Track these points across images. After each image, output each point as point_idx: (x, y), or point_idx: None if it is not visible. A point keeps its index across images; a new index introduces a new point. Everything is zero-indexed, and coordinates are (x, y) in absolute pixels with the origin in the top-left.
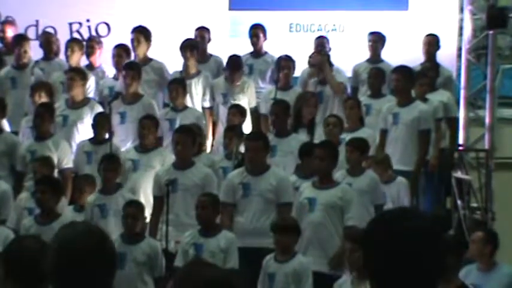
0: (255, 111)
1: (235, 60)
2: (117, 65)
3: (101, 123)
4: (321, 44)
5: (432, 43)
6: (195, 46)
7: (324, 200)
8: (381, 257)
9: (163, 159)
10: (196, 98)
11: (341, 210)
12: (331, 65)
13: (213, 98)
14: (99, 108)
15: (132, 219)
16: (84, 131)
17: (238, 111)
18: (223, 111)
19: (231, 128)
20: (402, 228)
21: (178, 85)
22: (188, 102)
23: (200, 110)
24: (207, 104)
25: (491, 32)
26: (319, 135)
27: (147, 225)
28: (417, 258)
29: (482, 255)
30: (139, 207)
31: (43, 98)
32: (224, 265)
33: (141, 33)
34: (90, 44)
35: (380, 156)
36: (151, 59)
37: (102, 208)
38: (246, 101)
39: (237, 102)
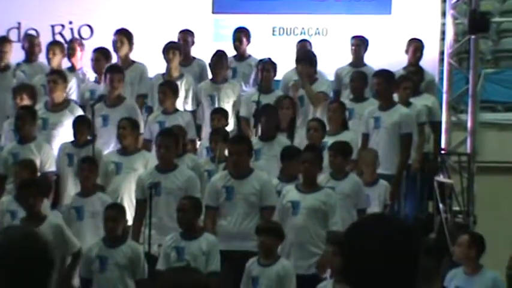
0: (238, 114)
1: (219, 54)
2: (96, 68)
3: (81, 127)
4: (303, 46)
5: (420, 48)
6: (178, 49)
7: (308, 204)
8: (358, 261)
9: (146, 162)
10: (179, 101)
11: (324, 214)
12: (315, 67)
13: (197, 101)
14: (79, 111)
15: (112, 222)
16: (64, 133)
17: (222, 115)
18: (209, 114)
19: (217, 132)
20: (379, 231)
21: (168, 88)
22: None
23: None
24: (189, 107)
25: (473, 36)
26: (301, 139)
27: (129, 229)
28: (395, 260)
29: (468, 258)
30: (120, 210)
31: (25, 101)
32: (206, 268)
33: (124, 36)
34: (72, 46)
35: (370, 156)
36: (133, 62)
37: (78, 210)
38: (231, 103)
39: (223, 105)
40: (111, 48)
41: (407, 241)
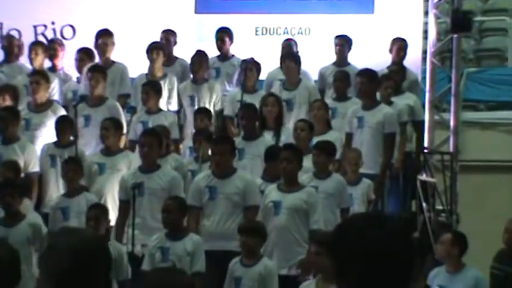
0: (220, 113)
1: (199, 54)
2: (80, 68)
3: (63, 127)
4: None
5: (403, 48)
6: (161, 49)
7: (289, 203)
8: (356, 262)
9: (130, 162)
10: (162, 101)
11: (306, 213)
12: (299, 65)
13: (179, 102)
14: (62, 111)
15: (94, 222)
16: (47, 134)
17: (205, 115)
18: (190, 114)
19: (200, 132)
20: (376, 232)
21: (151, 88)
22: None
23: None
24: (173, 108)
25: (455, 35)
26: (286, 139)
27: (112, 229)
28: (394, 260)
29: (450, 257)
30: (103, 210)
31: (7, 102)
32: (191, 268)
33: (106, 36)
34: (53, 46)
35: (353, 155)
36: (113, 62)
37: (64, 211)
38: (212, 103)
39: (203, 105)
40: (94, 49)
41: (400, 241)
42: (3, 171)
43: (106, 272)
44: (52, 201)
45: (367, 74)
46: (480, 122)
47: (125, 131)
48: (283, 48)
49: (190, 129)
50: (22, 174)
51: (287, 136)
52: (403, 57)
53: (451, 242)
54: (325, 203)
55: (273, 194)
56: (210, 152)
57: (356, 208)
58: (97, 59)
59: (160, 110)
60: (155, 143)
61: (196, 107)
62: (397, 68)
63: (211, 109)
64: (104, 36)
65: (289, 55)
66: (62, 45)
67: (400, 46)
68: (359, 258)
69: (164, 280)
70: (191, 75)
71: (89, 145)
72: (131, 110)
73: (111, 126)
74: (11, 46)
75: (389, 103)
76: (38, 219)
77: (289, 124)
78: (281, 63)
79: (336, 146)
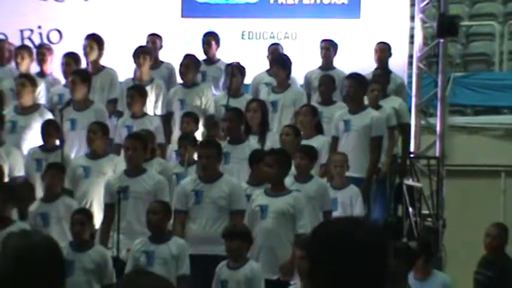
0: (211, 118)
1: (189, 58)
2: (66, 73)
3: (49, 131)
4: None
5: (384, 50)
6: (148, 53)
7: (276, 208)
8: (324, 265)
9: (115, 166)
10: (150, 105)
11: (292, 217)
12: (289, 70)
13: (167, 105)
14: (49, 115)
15: (80, 226)
16: (33, 137)
17: (192, 119)
18: (179, 118)
19: (185, 137)
20: (349, 239)
21: (136, 92)
22: None
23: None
24: (159, 112)
25: (442, 40)
26: (272, 142)
27: (97, 233)
28: (363, 264)
29: (417, 265)
30: (87, 214)
31: None
32: (176, 272)
33: (94, 41)
34: (41, 51)
35: (339, 159)
36: (103, 67)
37: (44, 216)
38: (202, 107)
39: (193, 109)
40: (80, 53)
41: (377, 244)
42: None
43: (57, 276)
44: (31, 207)
45: (356, 77)
46: (467, 126)
47: (111, 135)
48: (271, 52)
49: (178, 133)
50: (6, 179)
51: (272, 141)
52: (386, 59)
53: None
54: (308, 206)
55: (259, 198)
56: (195, 156)
57: (339, 213)
58: (84, 64)
59: (145, 114)
60: (140, 147)
61: (186, 111)
62: (380, 71)
63: (201, 113)
64: (89, 39)
65: (279, 59)
66: (50, 50)
67: (380, 48)
68: (326, 264)
69: (143, 282)
70: (178, 79)
71: (74, 149)
72: (118, 114)
73: (98, 129)
74: (2, 50)
75: (378, 107)
76: (26, 225)
77: (273, 126)
78: (270, 67)
79: (317, 151)
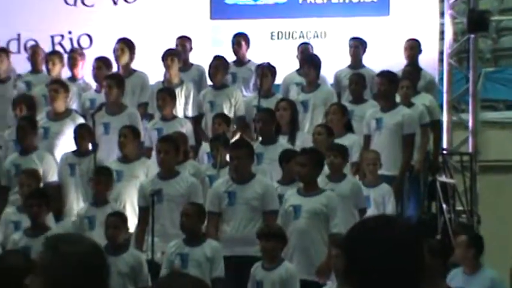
0: (242, 120)
1: (218, 59)
2: (97, 77)
3: (82, 135)
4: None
5: (414, 47)
6: (177, 55)
7: (309, 207)
8: (361, 263)
9: (147, 169)
10: (180, 107)
11: (326, 217)
12: (319, 69)
13: (198, 107)
14: (81, 120)
15: (114, 230)
16: (65, 143)
17: (222, 120)
18: (210, 120)
19: (217, 138)
20: (382, 237)
21: (167, 94)
22: None
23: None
24: (190, 114)
25: (472, 35)
26: (302, 142)
27: (131, 236)
28: (399, 262)
29: (466, 259)
30: (122, 217)
31: (24, 112)
32: (210, 274)
33: (125, 44)
34: (73, 56)
35: (371, 157)
36: (134, 70)
37: (90, 220)
38: (232, 108)
39: (223, 110)
40: (111, 57)
41: (410, 241)
42: (24, 179)
43: (106, 281)
44: (80, 210)
45: (387, 75)
46: (499, 121)
47: (142, 138)
48: (301, 52)
49: (210, 134)
50: (41, 184)
51: (302, 140)
52: (416, 56)
53: (466, 244)
54: (342, 205)
55: (292, 198)
56: (227, 157)
57: (372, 210)
58: (115, 68)
59: (176, 116)
60: (172, 149)
61: (217, 112)
62: (410, 68)
63: (231, 115)
64: (120, 43)
65: (309, 59)
66: (82, 54)
67: (410, 45)
68: (361, 262)
69: (178, 283)
70: (208, 81)
71: (108, 153)
72: (149, 117)
73: (129, 134)
74: (36, 56)
75: (410, 104)
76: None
77: (305, 126)
78: (301, 67)
79: (348, 150)
